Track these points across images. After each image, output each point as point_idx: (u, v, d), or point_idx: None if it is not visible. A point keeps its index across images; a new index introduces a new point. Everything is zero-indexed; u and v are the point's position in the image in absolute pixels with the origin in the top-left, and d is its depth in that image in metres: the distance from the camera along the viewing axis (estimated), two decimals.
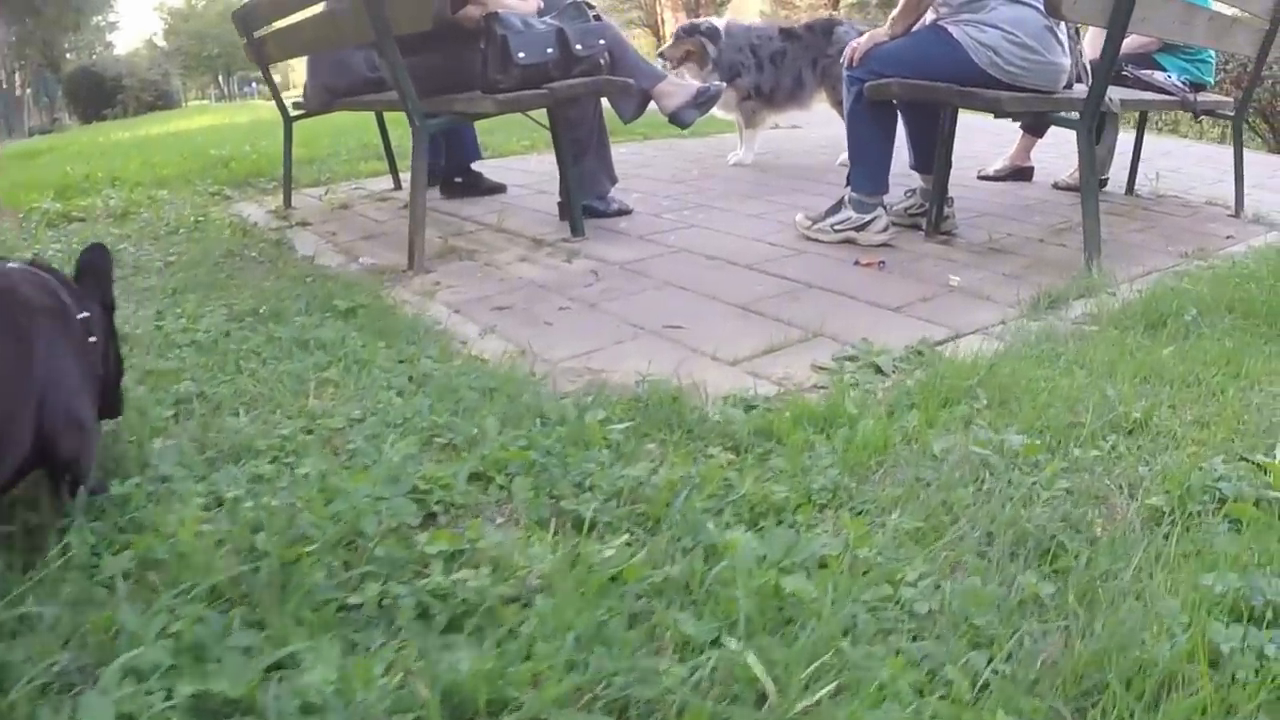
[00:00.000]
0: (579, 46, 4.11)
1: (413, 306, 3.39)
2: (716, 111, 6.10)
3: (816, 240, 4.19)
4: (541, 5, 4.50)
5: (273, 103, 6.10)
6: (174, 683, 1.26)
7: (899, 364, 2.67)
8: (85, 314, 1.87)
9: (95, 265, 2.02)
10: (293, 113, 5.86)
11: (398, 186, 6.24)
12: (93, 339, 1.88)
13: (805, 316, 3.14)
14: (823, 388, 2.53)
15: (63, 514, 1.72)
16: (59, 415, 1.67)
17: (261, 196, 6.49)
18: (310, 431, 2.18)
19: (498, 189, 5.85)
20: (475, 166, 5.88)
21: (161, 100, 30.08)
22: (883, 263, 3.79)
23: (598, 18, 4.26)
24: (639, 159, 6.96)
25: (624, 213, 4.88)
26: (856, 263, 3.80)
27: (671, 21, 51.89)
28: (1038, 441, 2.09)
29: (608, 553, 1.57)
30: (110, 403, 2.02)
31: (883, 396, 2.41)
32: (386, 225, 5.06)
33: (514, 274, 3.84)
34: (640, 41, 52.97)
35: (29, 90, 29.10)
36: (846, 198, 4.14)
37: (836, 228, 4.13)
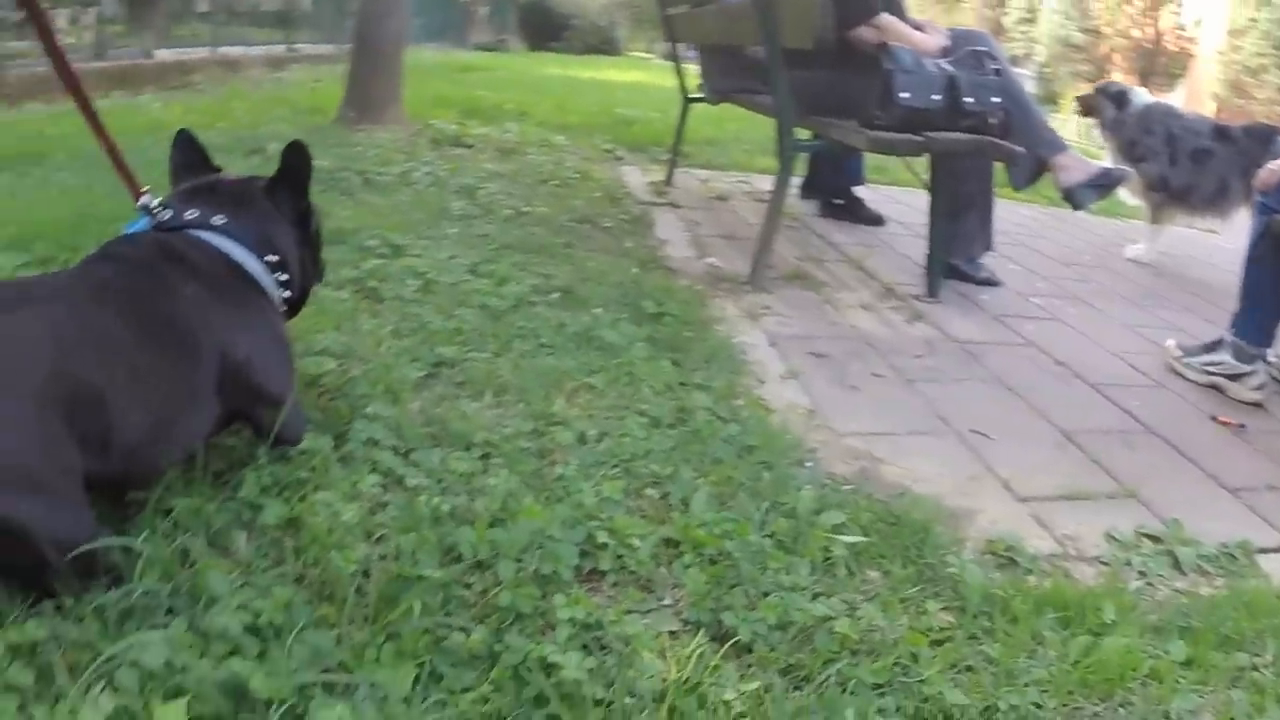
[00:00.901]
0: (969, 99, 3.88)
1: (728, 327, 3.34)
2: (1124, 195, 5.68)
3: (1182, 376, 3.77)
4: (948, 45, 4.30)
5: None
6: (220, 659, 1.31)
7: (1202, 563, 2.30)
8: (274, 257, 1.91)
9: (294, 167, 2.01)
10: (691, 94, 5.93)
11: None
12: (283, 277, 1.94)
13: (1128, 468, 2.79)
14: (1104, 564, 2.22)
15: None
16: (256, 391, 1.76)
17: (650, 166, 6.63)
18: (540, 435, 2.17)
19: (875, 220, 5.70)
20: (858, 192, 5.74)
21: (605, 45, 31.51)
22: (1243, 425, 3.33)
23: (998, 72, 4.00)
24: (1029, 228, 6.54)
25: (991, 284, 4.60)
26: (1214, 418, 3.37)
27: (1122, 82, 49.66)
28: None
29: (728, 695, 1.44)
30: (294, 309, 2.07)
31: (1160, 602, 2.09)
32: (752, 229, 5.02)
33: (848, 320, 3.71)
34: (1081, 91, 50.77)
35: (485, 8, 31.28)
36: (1226, 339, 3.70)
37: (1207, 369, 3.69)
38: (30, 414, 1.34)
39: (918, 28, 4.43)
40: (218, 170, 2.06)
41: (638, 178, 6.17)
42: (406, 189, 4.58)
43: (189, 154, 2.05)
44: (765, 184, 6.33)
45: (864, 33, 4.11)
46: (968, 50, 4.04)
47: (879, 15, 4.16)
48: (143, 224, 1.85)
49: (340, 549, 1.59)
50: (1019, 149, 3.96)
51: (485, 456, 2.03)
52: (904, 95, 3.79)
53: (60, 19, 12.31)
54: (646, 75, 17.40)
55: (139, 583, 1.43)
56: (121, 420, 1.49)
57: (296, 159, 1.99)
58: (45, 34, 1.85)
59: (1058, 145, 4.39)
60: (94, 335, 1.51)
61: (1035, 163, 4.34)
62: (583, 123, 7.96)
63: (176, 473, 1.72)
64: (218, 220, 1.84)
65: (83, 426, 1.42)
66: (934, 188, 4.16)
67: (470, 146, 6.05)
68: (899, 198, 6.59)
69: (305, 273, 2.05)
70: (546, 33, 30.70)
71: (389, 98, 6.87)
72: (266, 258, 1.89)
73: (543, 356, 2.64)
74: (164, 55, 12.03)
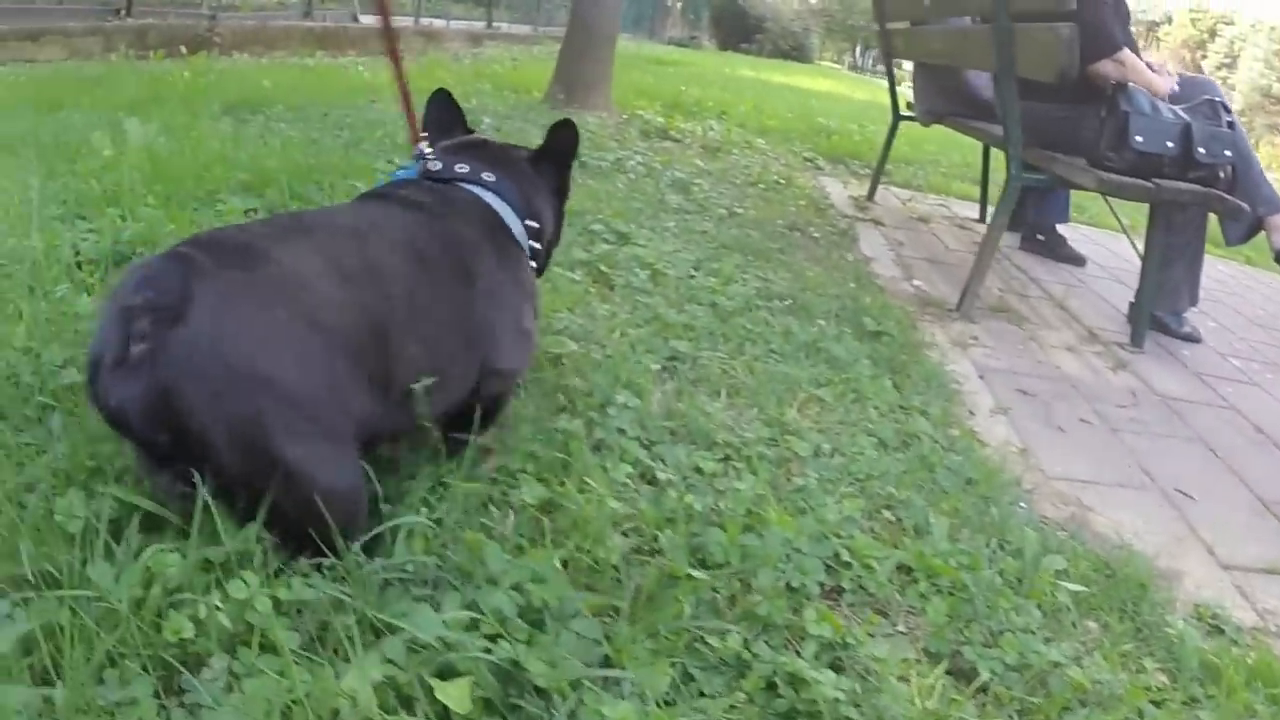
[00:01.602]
0: (1202, 150, 3.75)
1: (939, 353, 3.30)
2: None
3: None
4: (1177, 89, 4.17)
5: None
6: (496, 639, 1.31)
7: None
8: (534, 224, 1.95)
9: (562, 142, 2.04)
10: (903, 112, 5.88)
11: (982, 219, 6.11)
12: (536, 246, 1.96)
13: None
14: None
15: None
16: (494, 356, 1.75)
17: (849, 178, 6.60)
18: (774, 444, 2.18)
19: (1076, 260, 5.56)
20: (1060, 229, 5.62)
21: (796, 52, 31.49)
22: None
23: (1232, 125, 3.87)
24: (1227, 285, 6.29)
25: (1192, 340, 4.46)
26: None
27: None
28: None
29: None
30: (540, 273, 2.08)
31: None
32: (953, 255, 4.97)
33: (1053, 360, 3.64)
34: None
35: (678, 4, 31.48)
36: None
37: None
38: (318, 349, 1.34)
39: (1151, 68, 4.32)
40: (472, 131, 2.11)
41: (839, 190, 6.15)
42: (621, 176, 4.64)
43: (446, 112, 2.09)
44: (964, 209, 6.27)
45: (1105, 67, 4.02)
46: (1204, 99, 3.92)
47: (1121, 50, 4.07)
48: (413, 170, 1.89)
49: (601, 538, 1.61)
50: (1245, 206, 3.83)
51: (726, 459, 2.05)
52: (1138, 139, 3.70)
53: None
54: (839, 85, 17.31)
55: (404, 552, 1.45)
56: (402, 359, 1.50)
57: (566, 135, 2.01)
58: None
59: (1277, 204, 4.24)
60: (377, 269, 1.51)
61: (1252, 220, 4.20)
62: (781, 127, 7.95)
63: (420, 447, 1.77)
64: (488, 177, 1.87)
65: (369, 364, 1.43)
66: (1149, 236, 4.04)
67: (678, 140, 6.09)
68: (1096, 238, 6.44)
69: (553, 242, 2.11)
70: (738, 33, 30.77)
71: (599, 82, 6.95)
72: (527, 221, 1.92)
73: (774, 363, 2.65)
74: (368, 21, 12.36)
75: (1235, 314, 5.40)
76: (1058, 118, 4.18)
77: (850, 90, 17.10)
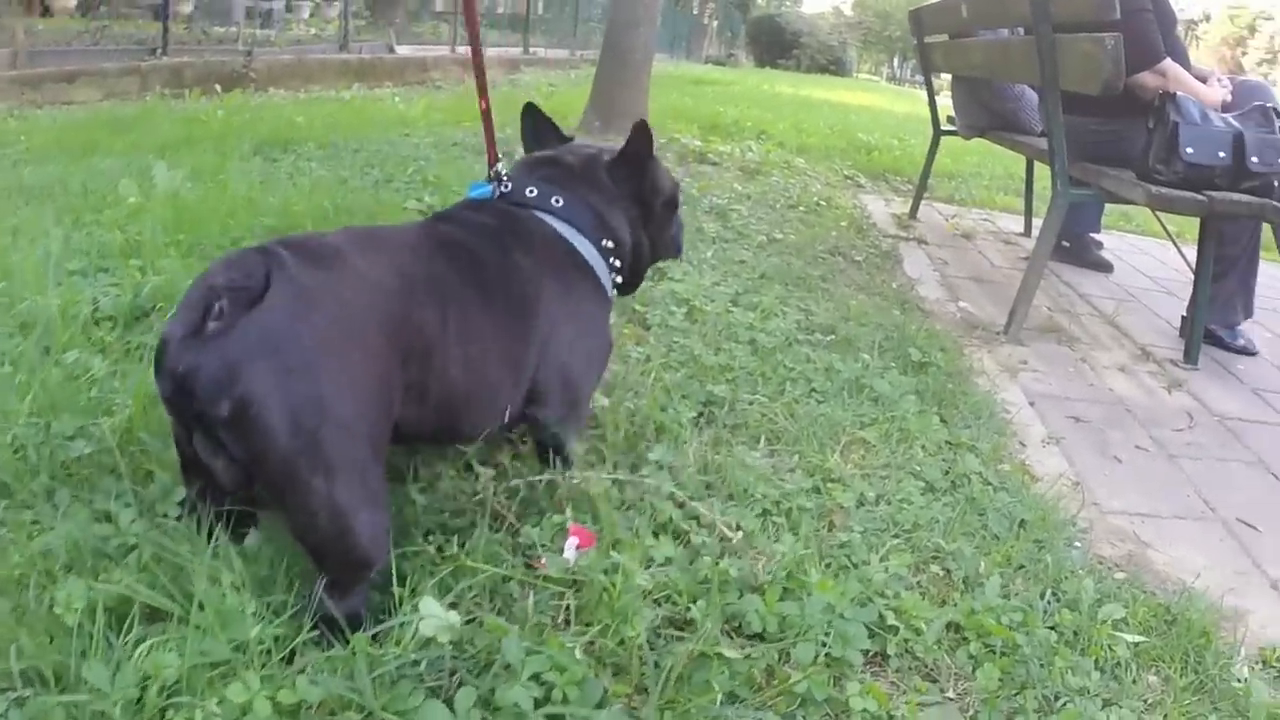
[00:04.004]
0: (1255, 159, 3.59)
1: (988, 381, 3.20)
2: None
3: None
4: (1229, 98, 4.03)
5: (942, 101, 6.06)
6: None
7: None
8: (609, 243, 1.95)
9: (633, 147, 2.00)
10: (944, 126, 5.77)
11: (1027, 233, 5.99)
12: (616, 262, 1.97)
13: None
14: None
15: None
16: (553, 387, 1.79)
17: (891, 195, 6.50)
18: (817, 494, 2.08)
19: (1103, 266, 5.43)
20: (1099, 237, 5.49)
21: (833, 65, 31.41)
22: None
23: None
24: None
25: (1248, 353, 4.29)
26: None
27: None
28: None
29: None
30: (632, 287, 2.14)
31: None
32: (999, 272, 4.85)
33: (1106, 382, 3.51)
34: None
35: (714, 22, 31.52)
36: None
37: None
38: (375, 351, 1.44)
39: (1202, 78, 4.17)
40: (568, 139, 2.13)
41: (881, 208, 6.05)
42: None
43: (538, 124, 2.16)
44: (1008, 223, 6.14)
45: (1147, 79, 3.89)
46: (1255, 106, 3.78)
47: (1164, 61, 3.93)
48: (487, 190, 1.92)
49: (628, 615, 1.52)
50: None
51: (765, 514, 1.96)
52: (1189, 151, 3.56)
53: (304, 10, 12.87)
54: (878, 99, 17.18)
55: (418, 640, 1.38)
56: (444, 378, 1.57)
57: (638, 136, 1.97)
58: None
59: None
60: (436, 287, 1.59)
61: None
62: (820, 145, 7.86)
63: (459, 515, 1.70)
64: (556, 202, 1.88)
65: (410, 374, 1.50)
66: (1201, 249, 3.90)
67: (716, 164, 6.01)
68: (1143, 247, 6.28)
69: (640, 254, 2.07)
70: (775, 49, 30.72)
71: (634, 108, 6.86)
72: (603, 243, 1.93)
73: (815, 404, 2.55)
74: (404, 51, 12.40)
75: None
76: (1103, 131, 4.06)
77: (890, 103, 16.92)
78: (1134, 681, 1.77)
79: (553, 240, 1.86)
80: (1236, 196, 3.60)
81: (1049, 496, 2.42)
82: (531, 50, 17.90)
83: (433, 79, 11.92)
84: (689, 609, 1.59)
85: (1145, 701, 1.72)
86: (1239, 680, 1.83)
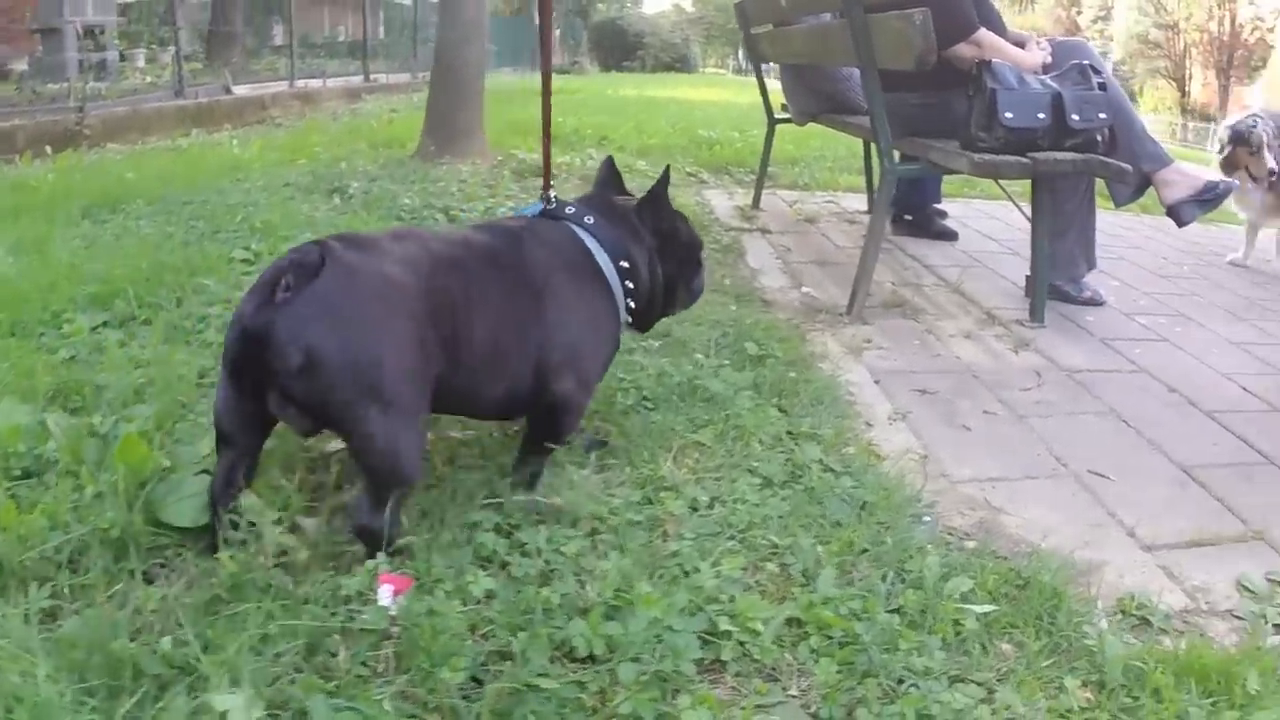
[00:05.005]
0: (1075, 117, 3.68)
1: (831, 364, 3.20)
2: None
3: None
4: (1050, 59, 4.11)
5: (779, 88, 6.09)
6: None
7: None
8: (624, 264, 2.22)
9: (655, 189, 2.30)
10: (777, 115, 5.81)
11: (870, 211, 6.04)
12: (628, 284, 2.22)
13: (1251, 506, 2.55)
14: (1238, 619, 2.05)
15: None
16: (561, 370, 2.05)
17: (735, 188, 6.52)
18: (649, 504, 2.04)
19: (948, 235, 5.54)
20: (940, 205, 5.59)
21: (678, 63, 31.67)
22: None
23: (1103, 86, 3.79)
24: (1128, 239, 6.24)
25: (1095, 303, 4.38)
26: None
27: (1199, 76, 48.76)
28: None
29: None
30: (649, 312, 2.38)
31: None
32: (843, 253, 4.88)
33: (952, 350, 3.54)
34: (1164, 94, 49.87)
35: (557, 31, 31.60)
36: None
37: None
38: (412, 315, 1.78)
39: (1020, 43, 4.25)
40: (628, 195, 2.42)
41: (723, 201, 6.06)
42: None
43: (610, 174, 2.45)
44: (853, 203, 6.21)
45: (963, 50, 3.95)
46: (1072, 65, 3.86)
47: (978, 31, 4.00)
48: (536, 208, 2.25)
49: (446, 656, 1.47)
50: (1127, 166, 3.77)
51: (593, 533, 1.91)
52: (1008, 115, 3.63)
53: (139, 57, 12.51)
54: (722, 92, 17.34)
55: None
56: (469, 340, 1.90)
57: (660, 182, 2.31)
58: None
59: (1161, 159, 4.18)
60: (457, 266, 1.94)
61: (1139, 178, 4.14)
62: (662, 144, 7.87)
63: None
64: (589, 220, 2.20)
65: (444, 330, 1.84)
66: (1035, 208, 3.97)
67: (554, 176, 5.94)
68: (990, 212, 6.40)
69: (655, 287, 2.32)
70: (619, 53, 30.86)
71: (470, 128, 6.77)
72: (620, 262, 2.19)
73: (646, 412, 2.52)
74: (242, 91, 12.14)
75: (1137, 268, 5.38)
76: (926, 105, 4.11)
77: (734, 95, 17.05)
78: (984, 651, 1.76)
79: (574, 244, 2.16)
80: (1061, 155, 3.67)
81: (894, 474, 2.41)
82: (373, 77, 17.67)
83: (272, 116, 11.68)
84: (509, 641, 1.54)
85: (998, 672, 1.71)
86: (1092, 637, 1.83)
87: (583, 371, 2.11)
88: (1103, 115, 3.73)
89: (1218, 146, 5.66)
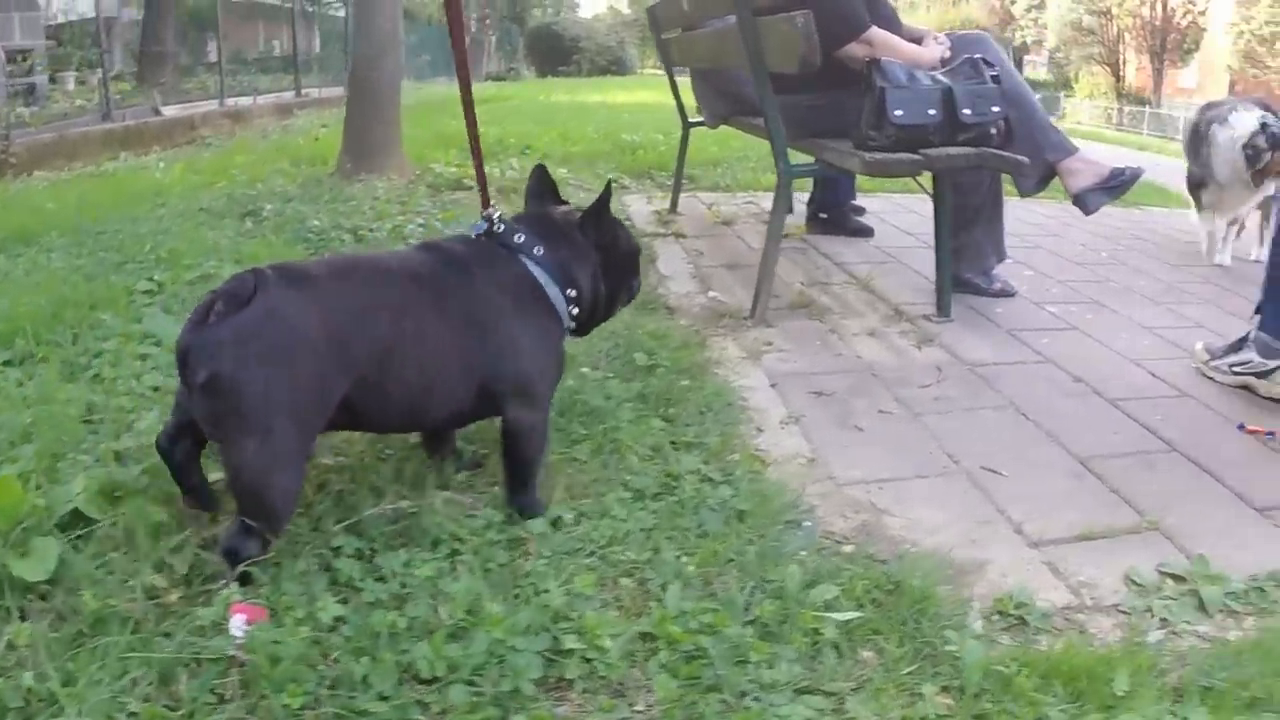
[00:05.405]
0: (967, 111, 3.69)
1: (727, 370, 3.21)
2: None
3: (1210, 379, 3.55)
4: (949, 54, 4.13)
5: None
6: None
7: (1230, 603, 2.10)
8: (571, 292, 2.27)
9: (595, 206, 2.34)
10: (691, 118, 5.83)
11: (791, 210, 6.05)
12: (575, 310, 2.29)
13: (1148, 495, 2.57)
14: (1123, 613, 2.05)
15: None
16: (513, 399, 2.14)
17: (655, 193, 6.54)
18: (512, 524, 2.05)
19: (863, 231, 5.59)
20: (857, 202, 5.64)
21: (614, 66, 31.70)
22: (1272, 433, 3.09)
23: (996, 78, 3.81)
24: (1046, 226, 6.26)
25: (1006, 294, 4.43)
26: (1241, 427, 3.14)
27: (1134, 60, 49.47)
28: None
29: None
30: (590, 322, 2.43)
31: (1183, 655, 1.90)
32: (756, 255, 4.87)
33: (854, 350, 3.56)
34: (1099, 79, 50.51)
35: (493, 37, 31.54)
36: (1251, 335, 3.47)
37: (1235, 370, 3.47)
38: (326, 354, 1.85)
39: (916, 39, 4.27)
40: (564, 204, 2.46)
41: (642, 207, 6.07)
42: (400, 245, 4.46)
43: (542, 184, 2.48)
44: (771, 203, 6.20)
45: (854, 49, 3.96)
46: (964, 59, 3.88)
47: (869, 30, 4.01)
48: (480, 228, 2.27)
49: (286, 684, 1.48)
50: (1022, 159, 3.79)
51: (453, 554, 1.91)
52: (898, 113, 3.64)
53: (68, 82, 12.37)
54: (654, 94, 17.26)
55: None
56: (401, 379, 1.98)
57: (601, 198, 2.35)
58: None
59: (1065, 148, 4.21)
60: (397, 304, 2.01)
61: (1044, 168, 4.17)
62: (586, 152, 7.86)
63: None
64: (536, 251, 2.22)
65: (364, 373, 1.91)
66: (937, 203, 4.00)
67: (470, 189, 5.93)
68: (909, 205, 6.42)
69: (597, 300, 2.37)
70: (555, 57, 30.84)
71: (387, 143, 6.71)
72: (568, 291, 2.25)
73: None
74: (171, 111, 12.04)
75: (1053, 256, 5.43)
76: (821, 105, 4.12)
77: (666, 96, 17.07)
78: (841, 660, 1.76)
79: (525, 281, 2.20)
80: (953, 150, 3.69)
81: (776, 480, 2.42)
82: (304, 92, 17.59)
83: (202, 136, 11.59)
84: (353, 666, 1.55)
85: (856, 680, 1.72)
86: (953, 644, 1.82)
87: (535, 396, 2.19)
88: (996, 109, 3.75)
89: (1188, 137, 5.60)
